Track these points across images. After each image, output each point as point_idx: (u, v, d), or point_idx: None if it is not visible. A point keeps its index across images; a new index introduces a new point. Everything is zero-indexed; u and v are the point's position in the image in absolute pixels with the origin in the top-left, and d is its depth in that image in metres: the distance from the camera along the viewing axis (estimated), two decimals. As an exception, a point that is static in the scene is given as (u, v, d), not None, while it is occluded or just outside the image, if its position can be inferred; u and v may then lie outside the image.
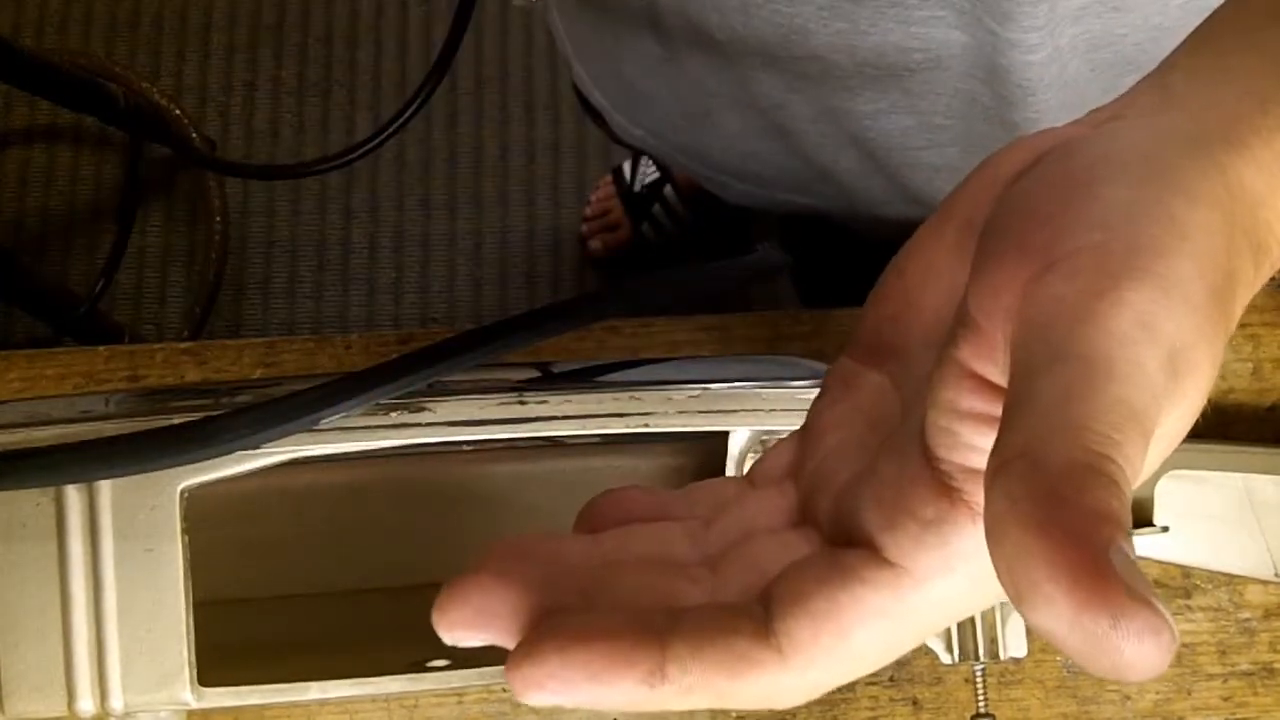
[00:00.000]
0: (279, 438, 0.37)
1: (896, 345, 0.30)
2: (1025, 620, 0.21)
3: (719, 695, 0.24)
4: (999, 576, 0.20)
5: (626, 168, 1.43)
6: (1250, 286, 0.26)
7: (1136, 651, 0.19)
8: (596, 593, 0.26)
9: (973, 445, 0.24)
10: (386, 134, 1.10)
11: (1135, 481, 0.21)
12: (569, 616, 0.24)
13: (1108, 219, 0.24)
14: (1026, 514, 0.20)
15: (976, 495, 0.24)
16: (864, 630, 0.24)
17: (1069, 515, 0.20)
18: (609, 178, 1.44)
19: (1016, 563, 0.20)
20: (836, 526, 0.27)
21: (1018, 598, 0.20)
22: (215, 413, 0.38)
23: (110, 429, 0.38)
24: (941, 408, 0.25)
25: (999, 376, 0.24)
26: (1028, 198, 0.25)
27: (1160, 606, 0.19)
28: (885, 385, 0.30)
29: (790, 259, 0.49)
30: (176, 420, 0.38)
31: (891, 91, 0.51)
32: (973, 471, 0.24)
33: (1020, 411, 0.22)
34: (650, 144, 0.68)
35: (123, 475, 0.37)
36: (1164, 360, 0.22)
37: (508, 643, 0.25)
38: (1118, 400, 0.21)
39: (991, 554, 0.20)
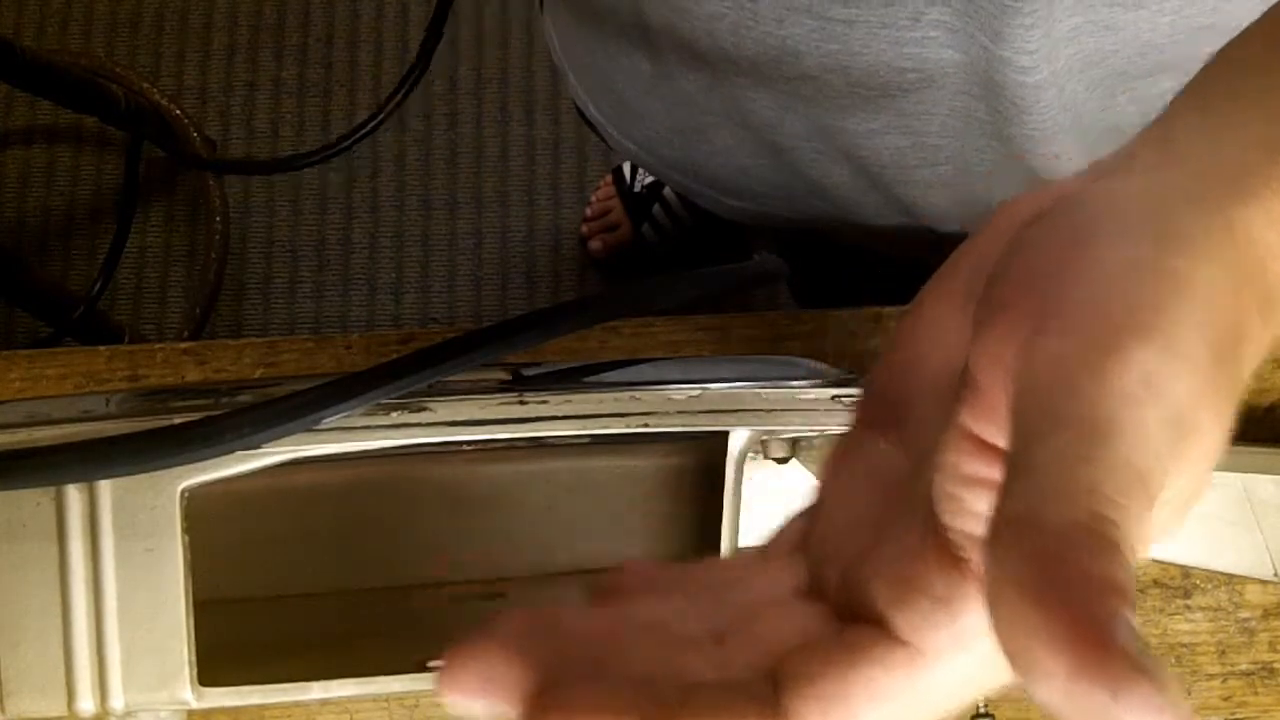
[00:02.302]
0: (280, 437, 0.37)
1: (904, 406, 0.29)
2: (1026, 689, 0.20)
3: None
4: (999, 644, 0.20)
5: (626, 168, 1.43)
6: (1260, 344, 0.25)
7: None
8: (605, 664, 0.25)
9: (978, 512, 0.23)
10: (365, 131, 1.10)
11: (1141, 550, 0.21)
12: (578, 687, 0.23)
13: (1107, 277, 0.23)
14: (1024, 580, 0.19)
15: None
16: (874, 712, 0.24)
17: (1069, 582, 0.19)
18: (609, 178, 1.45)
19: (1014, 631, 0.19)
20: (846, 601, 0.26)
21: (1016, 667, 0.19)
22: (216, 413, 0.38)
23: (111, 429, 0.38)
24: (946, 472, 0.24)
25: (1002, 439, 0.23)
26: (1028, 255, 0.25)
27: (1161, 677, 0.18)
28: (894, 452, 0.29)
29: (787, 266, 0.49)
30: (177, 420, 0.38)
31: (885, 112, 0.51)
32: (980, 540, 0.23)
33: (1020, 475, 0.21)
34: (643, 159, 0.68)
35: (124, 475, 0.37)
36: (1168, 421, 0.21)
37: (513, 710, 0.24)
38: (1122, 462, 0.21)
39: (990, 622, 0.20)
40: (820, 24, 0.46)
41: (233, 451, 0.37)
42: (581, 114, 0.71)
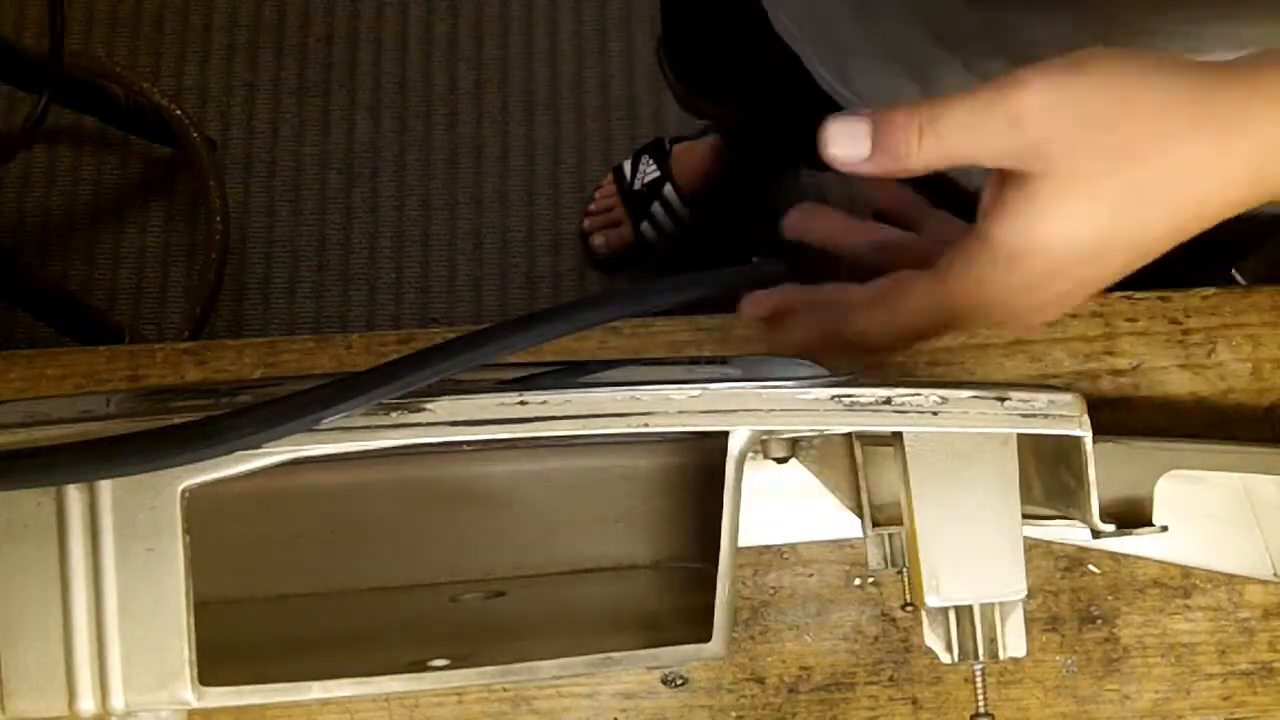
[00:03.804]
0: (282, 437, 0.37)
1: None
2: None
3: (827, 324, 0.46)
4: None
5: (627, 166, 1.43)
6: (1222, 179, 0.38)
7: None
8: None
9: None
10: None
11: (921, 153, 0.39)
12: None
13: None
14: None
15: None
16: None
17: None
18: (611, 175, 1.45)
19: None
20: None
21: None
22: (217, 412, 0.38)
23: (111, 429, 0.38)
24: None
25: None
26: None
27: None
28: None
29: (786, 268, 0.51)
30: (177, 420, 0.38)
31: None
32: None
33: None
34: None
35: (125, 475, 0.37)
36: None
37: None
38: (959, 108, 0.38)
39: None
40: None
41: (235, 451, 0.37)
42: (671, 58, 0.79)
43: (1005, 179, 0.39)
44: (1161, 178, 0.38)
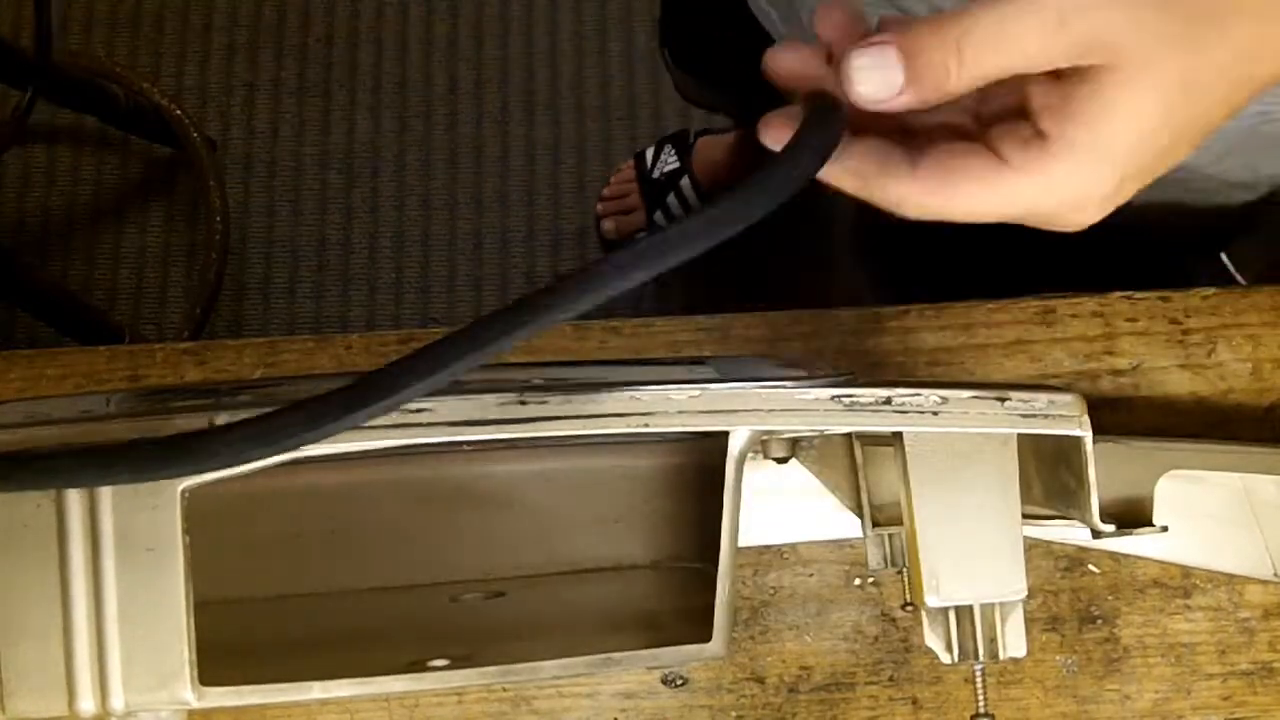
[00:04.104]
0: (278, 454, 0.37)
1: None
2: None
3: (865, 184, 0.38)
4: None
5: (649, 154, 1.44)
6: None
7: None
8: None
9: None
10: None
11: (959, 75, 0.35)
12: None
13: None
14: None
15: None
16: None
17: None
18: (631, 161, 1.45)
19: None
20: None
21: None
22: (217, 412, 0.38)
23: (111, 429, 0.38)
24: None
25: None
26: None
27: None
28: None
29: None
30: (178, 420, 0.38)
31: None
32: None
33: None
34: None
35: (126, 483, 0.37)
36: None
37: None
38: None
39: None
40: None
41: (237, 465, 0.37)
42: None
43: (1059, 78, 0.36)
44: (1226, 58, 0.36)
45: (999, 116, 0.39)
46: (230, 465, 0.34)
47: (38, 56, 1.15)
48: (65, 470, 0.35)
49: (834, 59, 0.39)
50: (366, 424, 0.33)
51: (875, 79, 0.36)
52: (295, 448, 0.33)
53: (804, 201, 0.51)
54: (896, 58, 0.35)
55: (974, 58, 0.35)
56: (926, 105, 0.36)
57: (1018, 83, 0.37)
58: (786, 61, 0.40)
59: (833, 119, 0.37)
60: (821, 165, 0.37)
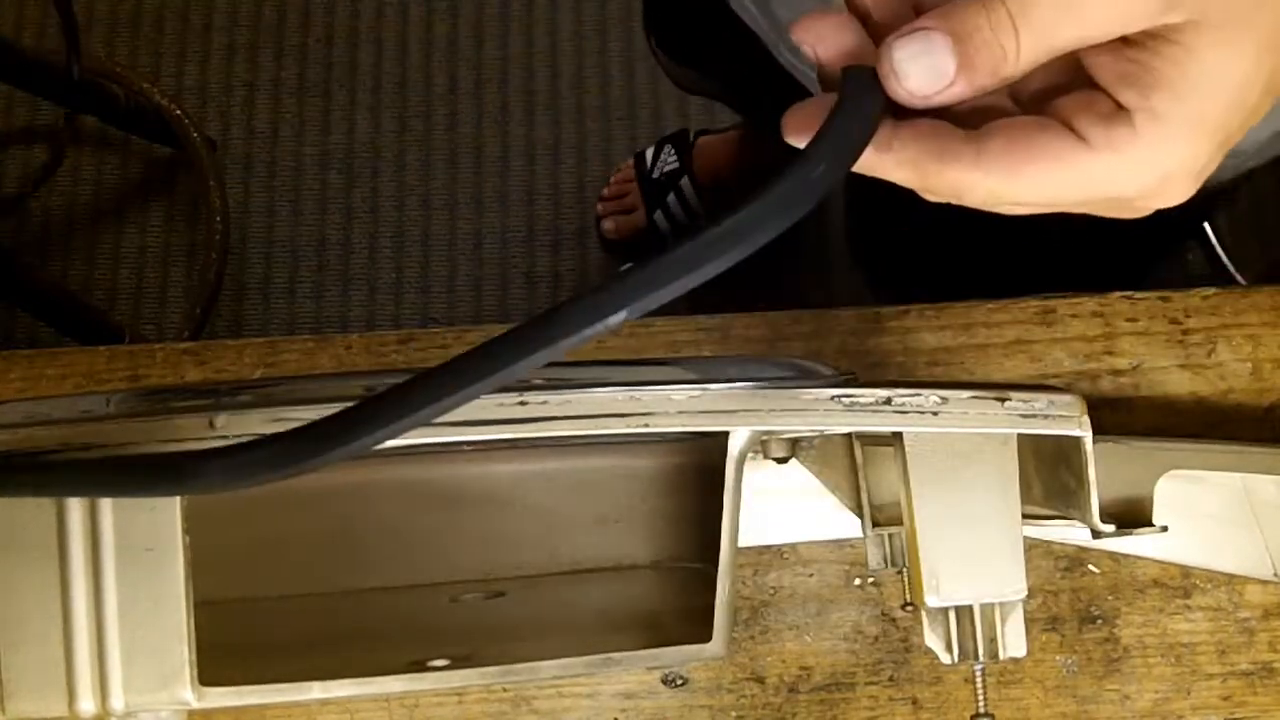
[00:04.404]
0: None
1: None
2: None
3: (922, 175, 0.33)
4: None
5: (649, 153, 1.44)
6: None
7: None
8: None
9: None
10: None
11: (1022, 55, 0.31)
12: None
13: None
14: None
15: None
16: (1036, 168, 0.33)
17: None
18: (631, 161, 1.45)
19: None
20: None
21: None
22: (216, 412, 0.38)
23: (111, 429, 0.38)
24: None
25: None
26: None
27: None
28: None
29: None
30: (177, 420, 0.38)
31: None
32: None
33: None
34: None
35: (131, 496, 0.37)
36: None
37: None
38: None
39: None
40: None
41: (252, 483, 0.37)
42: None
43: (1129, 42, 0.33)
44: None
45: (1046, 94, 0.35)
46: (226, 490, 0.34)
47: (68, 73, 1.14)
48: (62, 483, 0.35)
49: (869, 27, 0.35)
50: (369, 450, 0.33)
51: (922, 70, 0.32)
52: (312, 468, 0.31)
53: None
54: (944, 42, 0.31)
55: (1036, 32, 0.31)
56: (982, 93, 0.32)
57: (1070, 55, 0.33)
58: (821, 31, 0.35)
59: (865, 105, 0.32)
60: (854, 161, 0.32)
